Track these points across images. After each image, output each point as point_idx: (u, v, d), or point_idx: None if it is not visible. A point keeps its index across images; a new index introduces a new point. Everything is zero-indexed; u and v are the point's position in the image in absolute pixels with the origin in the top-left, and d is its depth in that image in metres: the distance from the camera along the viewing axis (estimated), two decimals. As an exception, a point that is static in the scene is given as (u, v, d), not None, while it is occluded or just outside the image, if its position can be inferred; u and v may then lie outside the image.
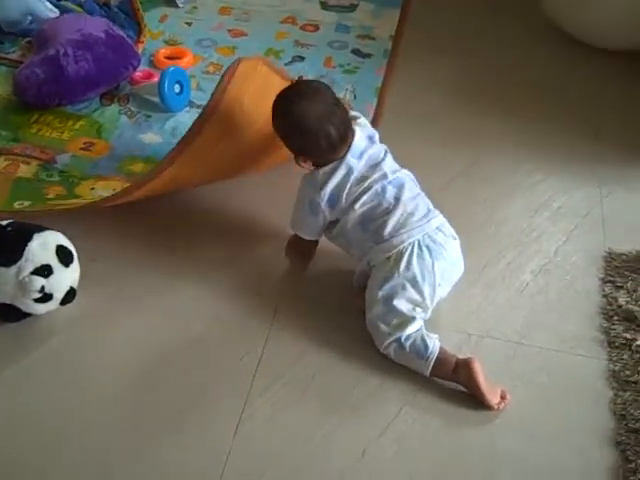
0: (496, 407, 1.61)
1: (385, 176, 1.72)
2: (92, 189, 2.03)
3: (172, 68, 2.33)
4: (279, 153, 1.86)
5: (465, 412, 1.61)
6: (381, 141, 1.81)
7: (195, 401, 1.61)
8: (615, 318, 1.78)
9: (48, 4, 2.59)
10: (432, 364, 1.64)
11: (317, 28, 2.74)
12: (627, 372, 1.67)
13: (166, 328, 1.75)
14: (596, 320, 1.79)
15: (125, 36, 2.45)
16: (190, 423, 1.57)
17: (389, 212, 1.70)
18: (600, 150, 2.27)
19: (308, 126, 1.67)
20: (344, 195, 1.71)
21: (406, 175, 1.77)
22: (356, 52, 2.62)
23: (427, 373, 1.65)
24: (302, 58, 2.57)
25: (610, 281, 1.87)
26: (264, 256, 1.91)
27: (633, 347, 1.71)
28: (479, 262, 1.89)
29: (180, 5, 2.81)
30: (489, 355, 1.71)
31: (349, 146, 1.73)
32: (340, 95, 2.38)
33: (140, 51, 2.50)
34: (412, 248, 1.67)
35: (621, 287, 1.85)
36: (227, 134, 1.80)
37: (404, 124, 2.24)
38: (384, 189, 1.71)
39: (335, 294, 1.82)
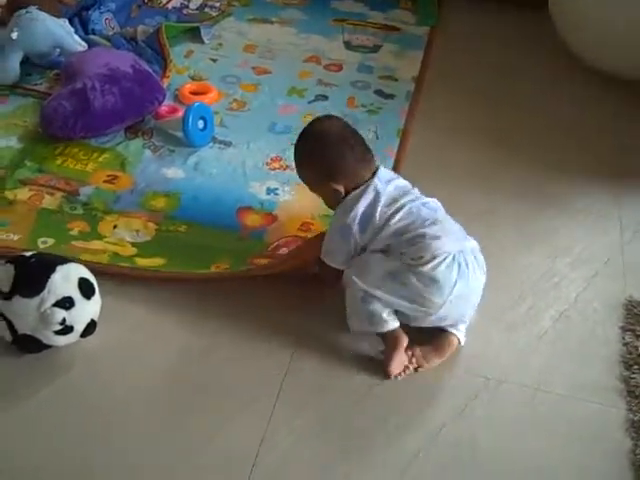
0: (392, 377, 1.71)
1: (417, 198, 1.77)
2: (114, 227, 2.05)
3: (197, 104, 2.35)
4: None
5: (482, 456, 1.60)
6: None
7: (213, 434, 1.60)
8: (635, 367, 1.77)
9: (77, 37, 2.62)
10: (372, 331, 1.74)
11: (340, 68, 2.76)
12: (646, 422, 1.66)
13: (185, 363, 1.75)
14: (616, 368, 1.78)
15: (151, 71, 2.47)
16: (207, 456, 1.57)
17: (426, 226, 1.71)
18: (623, 196, 2.28)
19: (332, 140, 1.78)
20: (376, 218, 1.72)
21: (438, 204, 1.81)
22: (379, 93, 2.63)
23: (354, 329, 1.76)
24: (325, 97, 2.59)
25: (630, 329, 1.85)
26: (285, 293, 1.90)
27: (653, 397, 1.71)
28: (499, 306, 1.89)
29: (206, 41, 2.85)
30: (507, 400, 1.71)
31: (375, 171, 1.78)
32: (363, 135, 2.38)
33: (165, 86, 2.52)
34: (445, 258, 1.68)
35: (641, 336, 1.84)
36: None
37: (425, 167, 2.25)
38: (419, 209, 1.74)
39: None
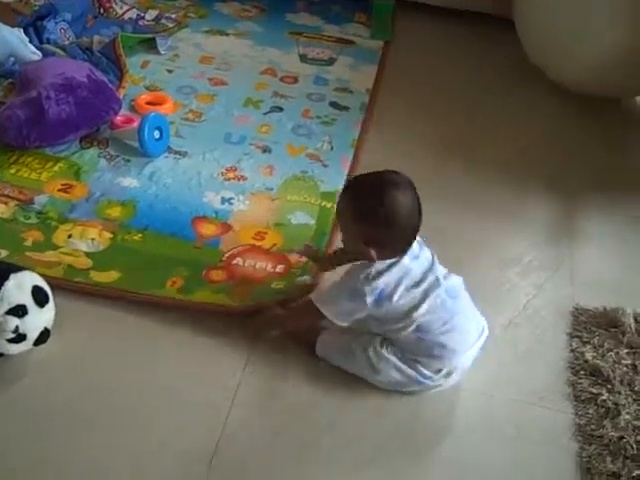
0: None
1: (438, 282, 1.67)
2: (69, 237, 2.04)
3: (152, 114, 2.36)
4: None
5: (434, 463, 1.64)
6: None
7: (165, 445, 1.61)
8: (582, 372, 1.82)
9: (31, 47, 2.62)
10: None
11: (296, 80, 2.79)
12: (592, 426, 1.70)
13: (137, 369, 1.75)
14: (563, 374, 1.82)
15: (107, 80, 2.47)
16: (161, 466, 1.57)
17: (446, 331, 1.67)
18: (571, 206, 2.34)
19: (403, 219, 1.61)
20: (394, 299, 1.64)
21: (459, 282, 1.74)
22: (334, 105, 2.66)
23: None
24: (281, 109, 2.62)
25: (577, 336, 1.90)
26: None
27: (598, 401, 1.75)
28: (450, 314, 1.92)
29: (162, 52, 2.86)
30: (458, 406, 1.75)
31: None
32: (318, 145, 2.44)
33: (121, 96, 2.52)
34: (457, 372, 1.72)
35: (588, 342, 1.88)
36: None
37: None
38: (443, 302, 1.67)
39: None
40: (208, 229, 2.12)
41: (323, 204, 2.21)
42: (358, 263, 1.69)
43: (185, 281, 1.94)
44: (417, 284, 1.66)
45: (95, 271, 1.96)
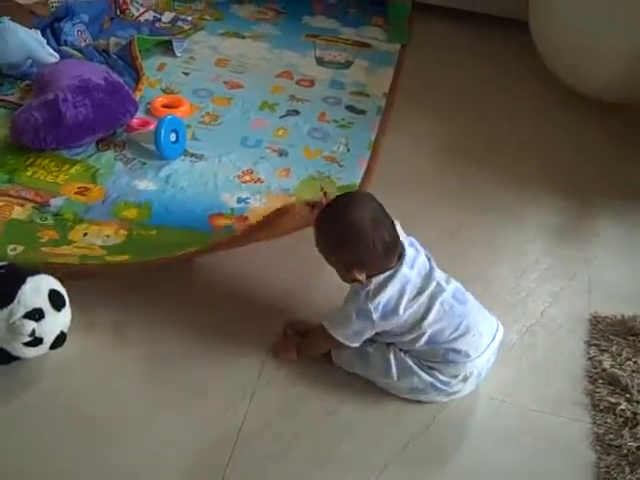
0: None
1: (441, 287, 1.66)
2: (85, 235, 2.05)
3: (169, 117, 2.36)
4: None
5: (449, 469, 1.63)
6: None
7: (178, 453, 1.60)
8: (599, 381, 1.80)
9: (49, 48, 2.62)
10: None
11: (312, 83, 2.78)
12: (611, 436, 1.68)
13: (153, 373, 1.75)
14: (580, 383, 1.81)
15: (123, 83, 2.48)
16: (174, 473, 1.57)
17: (459, 337, 1.66)
18: (587, 212, 2.32)
19: (364, 231, 1.60)
20: (400, 311, 1.63)
21: (461, 286, 1.73)
22: (350, 108, 2.66)
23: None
24: (297, 112, 2.61)
25: (595, 344, 1.89)
26: (257, 304, 1.92)
27: (617, 411, 1.73)
28: (467, 321, 1.91)
29: (178, 55, 2.86)
30: (474, 413, 1.74)
31: (401, 255, 1.66)
32: (334, 148, 2.43)
33: (137, 98, 2.53)
34: (472, 377, 1.70)
35: (606, 351, 1.87)
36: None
37: (395, 181, 2.28)
38: (451, 307, 1.66)
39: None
40: (224, 222, 2.13)
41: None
42: (357, 285, 1.68)
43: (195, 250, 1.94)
44: (420, 292, 1.65)
45: (109, 256, 1.96)
